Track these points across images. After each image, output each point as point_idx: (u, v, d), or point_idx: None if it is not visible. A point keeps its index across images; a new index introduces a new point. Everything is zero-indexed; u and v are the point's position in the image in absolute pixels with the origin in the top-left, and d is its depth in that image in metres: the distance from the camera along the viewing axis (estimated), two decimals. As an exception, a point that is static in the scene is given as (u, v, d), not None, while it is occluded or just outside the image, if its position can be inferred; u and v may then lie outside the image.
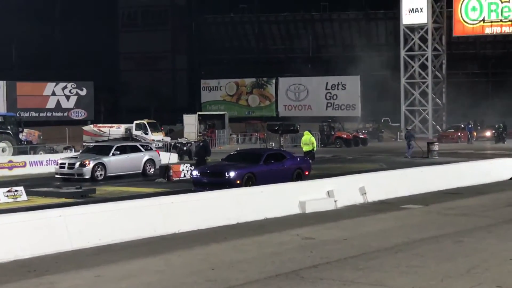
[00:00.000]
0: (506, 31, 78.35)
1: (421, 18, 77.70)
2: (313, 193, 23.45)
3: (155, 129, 64.38)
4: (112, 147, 37.66)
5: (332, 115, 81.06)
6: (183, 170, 35.46)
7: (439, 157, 46.48)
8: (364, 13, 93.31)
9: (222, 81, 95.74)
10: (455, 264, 14.63)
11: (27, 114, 78.20)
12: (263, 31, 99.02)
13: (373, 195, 25.20)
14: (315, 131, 55.37)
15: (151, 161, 38.23)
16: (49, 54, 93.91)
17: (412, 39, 78.86)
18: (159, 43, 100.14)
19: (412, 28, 78.54)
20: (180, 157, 48.98)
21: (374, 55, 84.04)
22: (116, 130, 65.56)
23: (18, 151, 47.47)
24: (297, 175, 31.33)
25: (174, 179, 34.53)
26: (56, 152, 47.73)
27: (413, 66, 79.25)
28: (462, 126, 71.14)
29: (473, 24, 78.28)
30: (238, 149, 44.26)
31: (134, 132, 63.70)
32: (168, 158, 41.02)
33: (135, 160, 37.54)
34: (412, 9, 77.91)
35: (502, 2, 76.62)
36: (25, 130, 52.35)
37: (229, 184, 27.96)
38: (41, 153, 46.55)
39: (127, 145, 39.32)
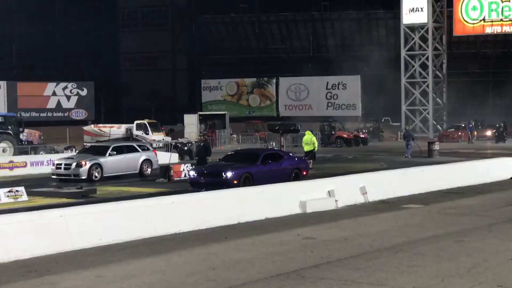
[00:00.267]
0: (506, 31, 78.35)
1: (422, 17, 77.69)
2: (313, 193, 23.45)
3: (155, 129, 64.37)
4: (108, 147, 37.54)
5: (332, 115, 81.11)
6: (183, 170, 35.42)
7: (439, 156, 46.49)
8: (365, 12, 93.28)
9: (222, 81, 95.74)
10: (456, 263, 14.63)
11: (27, 114, 78.22)
12: (264, 30, 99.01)
13: (373, 194, 25.21)
14: (315, 131, 55.36)
15: (148, 161, 38.11)
16: (50, 54, 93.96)
17: (413, 38, 78.86)
18: (160, 43, 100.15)
19: (412, 28, 78.54)
20: (181, 157, 48.97)
21: (375, 54, 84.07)
22: (117, 130, 65.57)
23: (19, 152, 47.48)
24: (295, 175, 31.24)
25: (175, 179, 34.52)
26: (57, 152, 47.75)
27: (413, 66, 79.24)
28: (463, 125, 71.13)
29: (473, 24, 78.28)
30: (239, 149, 44.24)
31: (135, 132, 63.70)
32: (168, 158, 40.99)
33: (132, 160, 37.41)
34: (413, 8, 77.90)
35: (502, 2, 76.62)
36: (25, 130, 52.35)
37: (226, 184, 27.86)
38: (41, 153, 46.55)
39: (124, 145, 39.11)
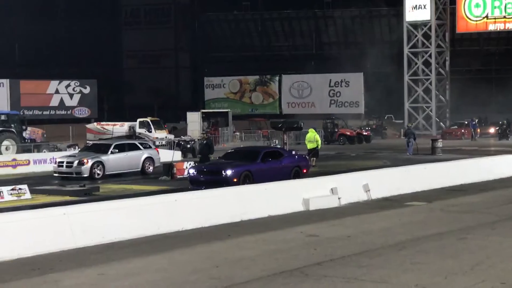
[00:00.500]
0: (509, 28, 78.34)
1: (425, 15, 77.65)
2: (316, 190, 23.44)
3: (158, 126, 64.35)
4: (110, 145, 37.51)
5: (335, 112, 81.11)
6: (186, 168, 35.37)
7: (442, 154, 46.46)
8: (367, 10, 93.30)
9: (225, 78, 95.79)
10: (459, 261, 14.62)
11: (30, 112, 78.27)
12: (266, 28, 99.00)
13: (376, 192, 25.19)
14: (318, 128, 55.37)
15: (150, 159, 38.06)
16: (53, 52, 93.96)
17: (416, 36, 78.81)
18: (162, 40, 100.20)
19: (415, 25, 78.50)
20: (184, 155, 48.98)
21: (378, 52, 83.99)
22: (120, 128, 65.56)
23: (22, 149, 47.50)
24: (295, 173, 31.12)
25: (178, 177, 34.50)
26: (60, 150, 47.79)
27: (416, 63, 79.20)
28: (466, 123, 71.08)
29: (476, 21, 78.24)
30: (242, 146, 44.24)
31: (138, 130, 63.68)
32: (171, 156, 40.98)
33: (134, 158, 37.37)
34: (416, 6, 77.86)
35: (505, -1, 76.60)
36: (28, 128, 52.35)
37: (226, 182, 27.72)
38: (44, 151, 46.58)
39: (126, 143, 39.08)
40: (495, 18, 77.47)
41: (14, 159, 41.40)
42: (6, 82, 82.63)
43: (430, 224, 19.54)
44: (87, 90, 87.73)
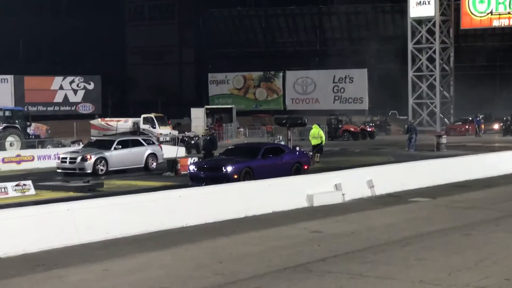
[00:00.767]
0: (514, 24, 78.11)
1: (429, 10, 77.46)
2: (320, 186, 23.43)
3: (162, 122, 64.34)
4: (113, 141, 37.46)
5: (339, 108, 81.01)
6: (190, 163, 35.36)
7: (447, 150, 46.42)
8: (372, 6, 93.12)
9: (229, 74, 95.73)
10: (463, 257, 14.61)
11: (34, 108, 78.35)
12: (270, 24, 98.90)
13: (380, 188, 25.18)
14: (322, 124, 55.31)
15: (153, 155, 37.94)
16: (57, 48, 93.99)
17: (420, 32, 78.64)
18: (166, 37, 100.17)
19: (419, 21, 78.33)
20: (188, 151, 48.98)
21: (382, 48, 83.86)
22: (124, 124, 65.57)
23: (26, 145, 47.54)
24: (296, 169, 30.98)
25: (182, 173, 34.46)
26: (64, 146, 47.79)
27: (420, 59, 79.04)
28: (470, 119, 70.98)
29: (480, 17, 78.05)
30: (246, 142, 44.23)
31: (142, 126, 63.69)
32: (175, 152, 40.97)
33: (137, 154, 37.25)
34: (420, 1, 77.67)
35: (510, -6, 76.40)
36: (33, 124, 52.37)
37: (226, 179, 27.64)
38: (49, 147, 46.62)
39: (129, 139, 39.01)
40: (499, 14, 77.27)
41: (18, 155, 41.41)
42: (10, 78, 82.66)
43: (434, 220, 19.53)
44: (91, 86, 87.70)
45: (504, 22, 77.95)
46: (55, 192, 27.59)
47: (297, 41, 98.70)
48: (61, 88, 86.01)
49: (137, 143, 38.10)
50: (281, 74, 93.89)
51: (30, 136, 50.30)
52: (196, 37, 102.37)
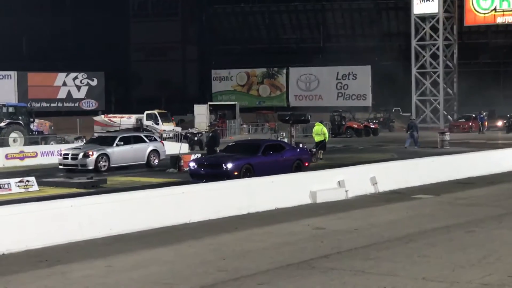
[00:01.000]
0: (517, 21, 78.06)
1: (432, 7, 77.47)
2: (324, 183, 23.42)
3: (166, 119, 64.40)
4: (115, 137, 37.35)
5: (343, 105, 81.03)
6: (190, 160, 35.31)
7: (450, 147, 46.39)
8: (375, 2, 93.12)
9: (232, 71, 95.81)
10: (467, 254, 14.60)
11: (38, 105, 78.44)
12: (274, 21, 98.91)
13: (384, 185, 25.16)
14: (326, 121, 55.31)
15: (155, 151, 37.74)
16: (60, 45, 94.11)
17: (423, 28, 78.64)
18: (170, 33, 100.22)
19: (423, 18, 78.32)
20: (191, 147, 49.01)
21: (385, 45, 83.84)
22: (127, 120, 65.63)
23: (30, 142, 47.60)
24: (297, 166, 30.77)
25: (185, 169, 34.39)
26: (67, 142, 47.85)
27: (424, 56, 79.05)
28: (474, 116, 70.95)
29: (484, 14, 78.03)
30: (249, 138, 44.20)
31: (145, 122, 63.75)
32: (179, 148, 40.94)
33: (139, 151, 37.08)
34: (423, -2, 77.68)
35: (514, -9, 76.37)
36: (36, 120, 52.45)
37: (227, 175, 27.37)
38: (52, 144, 46.66)
39: (131, 136, 38.86)
40: (503, 11, 77.25)
41: (21, 151, 41.44)
42: (13, 74, 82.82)
43: (438, 217, 19.52)
44: (94, 83, 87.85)
45: (508, 19, 77.95)
46: (59, 188, 27.60)
47: (301, 37, 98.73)
48: (64, 84, 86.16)
49: (139, 140, 37.96)
50: (284, 70, 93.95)
51: (34, 133, 50.37)
52: (200, 33, 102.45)
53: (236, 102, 78.26)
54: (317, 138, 39.81)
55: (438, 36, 77.98)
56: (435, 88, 78.81)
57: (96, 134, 46.18)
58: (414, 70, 78.74)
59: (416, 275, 12.83)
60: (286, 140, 42.74)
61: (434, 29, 78.26)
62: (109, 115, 69.61)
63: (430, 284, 12.27)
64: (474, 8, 78.06)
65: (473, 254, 14.53)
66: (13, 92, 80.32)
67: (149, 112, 64.75)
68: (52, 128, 54.74)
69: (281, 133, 53.85)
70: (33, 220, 16.08)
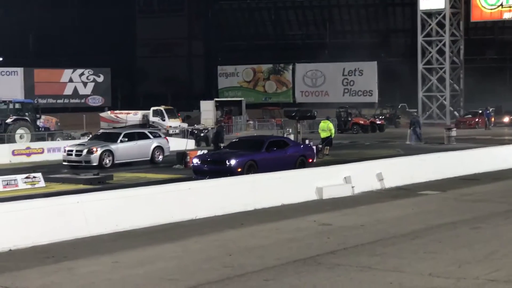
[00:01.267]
0: (524, 16, 77.82)
1: (439, 3, 77.19)
2: (330, 179, 23.42)
3: (172, 115, 64.36)
4: (120, 134, 37.31)
5: (349, 101, 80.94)
6: (194, 157, 35.28)
7: (456, 143, 46.34)
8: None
9: (239, 67, 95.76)
10: (473, 250, 14.60)
11: (44, 101, 78.53)
12: (280, 16, 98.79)
13: (390, 181, 25.15)
14: (332, 117, 55.27)
15: (159, 148, 37.65)
16: (66, 41, 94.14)
17: (430, 24, 78.40)
18: (176, 29, 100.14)
19: (429, 14, 78.08)
20: (197, 144, 49.02)
21: (391, 40, 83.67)
22: (133, 116, 65.63)
23: (36, 138, 47.63)
24: (300, 163, 30.69)
25: (191, 165, 34.43)
26: (74, 138, 47.89)
27: (430, 52, 78.81)
28: (480, 111, 70.80)
29: (491, 9, 77.78)
30: (256, 134, 44.18)
31: (151, 118, 63.73)
32: (185, 144, 40.95)
33: (143, 147, 37.02)
34: (430, -6, 77.46)
35: (521, -13, 76.14)
36: (42, 116, 52.50)
37: (230, 172, 27.33)
38: (58, 140, 46.71)
39: (135, 132, 38.77)
40: (510, 7, 76.96)
41: (28, 148, 41.51)
42: (20, 70, 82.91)
43: (444, 213, 19.51)
44: (100, 79, 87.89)
45: (515, 15, 77.63)
46: (65, 185, 27.66)
47: (307, 33, 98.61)
48: (70, 80, 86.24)
49: (143, 136, 37.88)
50: (290, 66, 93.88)
51: (40, 129, 50.42)
52: (206, 29, 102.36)
53: (242, 98, 78.18)
54: (323, 134, 39.80)
55: (444, 32, 77.73)
56: (441, 84, 78.60)
57: (101, 130, 46.10)
58: (420, 66, 78.54)
59: (422, 271, 12.84)
60: (292, 136, 42.73)
61: (441, 25, 78.03)
62: (116, 111, 69.60)
63: (436, 280, 12.27)
64: (481, 4, 77.84)
65: (479, 250, 14.53)
66: (19, 89, 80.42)
67: (155, 108, 64.73)
68: (59, 124, 54.78)
69: (288, 129, 53.90)
70: (40, 216, 16.13)
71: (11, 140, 46.08)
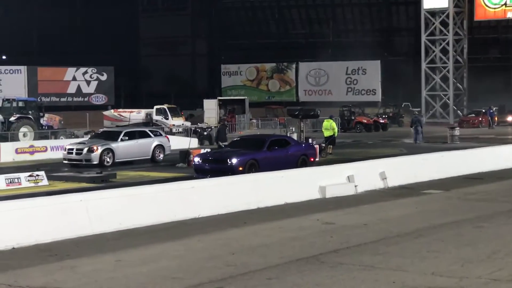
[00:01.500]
0: (528, 16, 77.79)
1: (442, 2, 77.18)
2: (333, 178, 23.41)
3: (175, 114, 64.37)
4: (120, 132, 37.18)
5: (352, 100, 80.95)
6: (195, 155, 35.26)
7: (459, 142, 46.31)
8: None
9: (242, 66, 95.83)
10: (476, 249, 14.59)
11: (48, 99, 78.43)
12: (283, 15, 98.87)
13: (393, 180, 25.13)
14: (336, 116, 55.27)
15: (160, 146, 37.51)
16: (70, 39, 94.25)
17: (433, 23, 78.38)
18: (179, 28, 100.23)
19: (433, 13, 78.06)
20: (201, 142, 49.03)
21: (395, 39, 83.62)
22: (137, 115, 65.64)
23: (39, 136, 47.69)
24: (302, 162, 30.60)
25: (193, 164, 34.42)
26: (77, 137, 47.93)
27: (434, 51, 78.81)
28: (483, 111, 70.77)
29: (494, 8, 77.75)
30: (259, 133, 44.17)
31: (155, 117, 63.73)
32: (188, 143, 40.93)
33: (144, 146, 36.86)
34: (433, -7, 77.45)
35: (525, -14, 76.10)
36: (46, 115, 52.54)
37: (231, 171, 27.24)
38: (62, 138, 46.75)
39: (136, 131, 38.59)
40: (514, 6, 76.97)
41: (31, 146, 41.55)
42: (23, 69, 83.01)
43: (447, 212, 19.50)
44: (104, 77, 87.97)
45: (518, 14, 77.60)
46: (68, 183, 27.66)
47: (310, 32, 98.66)
48: (74, 79, 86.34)
49: (144, 135, 37.74)
50: (293, 65, 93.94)
51: (43, 127, 50.48)
52: (209, 28, 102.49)
53: (246, 97, 78.17)
54: (326, 133, 39.82)
55: (448, 31, 77.71)
56: (444, 83, 78.58)
57: (103, 129, 46.12)
58: (423, 65, 78.53)
59: (425, 270, 12.83)
60: (295, 135, 42.73)
61: (444, 23, 78.00)
62: (119, 110, 69.62)
63: (439, 280, 12.26)
64: (484, 3, 77.79)
65: (482, 250, 14.51)
66: (23, 87, 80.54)
67: (158, 106, 64.73)
68: (62, 122, 54.84)
69: (291, 128, 53.93)
70: (43, 215, 16.14)
71: (15, 138, 46.13)
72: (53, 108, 68.71)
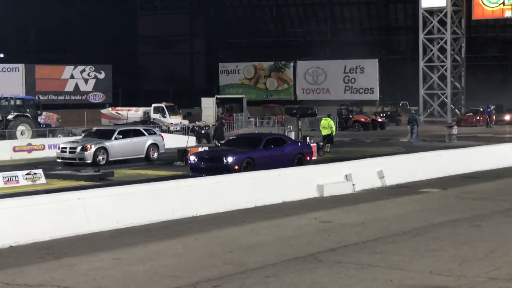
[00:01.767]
0: (526, 14, 77.76)
1: (440, 1, 77.19)
2: (331, 176, 23.42)
3: (173, 112, 64.42)
4: (114, 131, 37.05)
5: (350, 99, 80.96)
6: (191, 154, 35.25)
7: (457, 140, 46.34)
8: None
9: (240, 64, 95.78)
10: (473, 248, 14.60)
11: (45, 97, 78.53)
12: (281, 14, 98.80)
13: (391, 178, 25.15)
14: (333, 115, 55.25)
15: (154, 145, 37.38)
16: (68, 37, 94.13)
17: (431, 22, 78.38)
18: (177, 26, 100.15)
19: (431, 11, 78.06)
20: (198, 140, 49.04)
21: (393, 38, 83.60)
22: (134, 113, 65.68)
23: (37, 134, 47.68)
24: (298, 161, 30.56)
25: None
26: (75, 135, 47.87)
27: (432, 50, 78.81)
28: (481, 109, 70.80)
29: (492, 7, 77.74)
30: (256, 132, 44.16)
31: (152, 115, 63.77)
32: (186, 141, 40.91)
33: (138, 144, 36.74)
34: (431, -8, 77.44)
35: (522, -15, 76.09)
36: (43, 113, 52.50)
37: (227, 169, 27.24)
38: (59, 136, 46.69)
39: (130, 129, 38.48)
40: (511, 5, 76.95)
41: (29, 144, 41.52)
42: (21, 67, 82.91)
43: (445, 211, 19.51)
44: (102, 76, 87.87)
45: (516, 13, 77.58)
46: (66, 181, 27.66)
47: (308, 31, 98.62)
48: (72, 77, 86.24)
49: (138, 133, 37.57)
50: (292, 64, 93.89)
51: (41, 125, 50.45)
52: (207, 26, 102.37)
53: (243, 96, 78.20)
54: (324, 132, 39.84)
55: (446, 30, 77.71)
56: (442, 82, 78.60)
57: (97, 128, 46.01)
58: (421, 64, 78.54)
59: (423, 269, 12.84)
60: (293, 133, 42.74)
61: (442, 22, 77.99)
62: (117, 108, 69.65)
63: (437, 278, 12.27)
64: (482, 2, 77.78)
65: (480, 248, 14.52)
66: (20, 85, 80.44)
67: (156, 105, 64.77)
68: (60, 121, 54.82)
69: (289, 127, 53.95)
70: (41, 213, 16.14)
71: (12, 136, 46.11)
72: (51, 106, 68.61)
